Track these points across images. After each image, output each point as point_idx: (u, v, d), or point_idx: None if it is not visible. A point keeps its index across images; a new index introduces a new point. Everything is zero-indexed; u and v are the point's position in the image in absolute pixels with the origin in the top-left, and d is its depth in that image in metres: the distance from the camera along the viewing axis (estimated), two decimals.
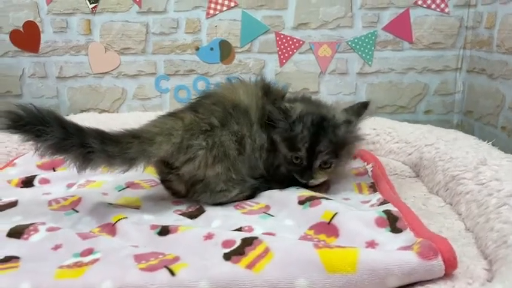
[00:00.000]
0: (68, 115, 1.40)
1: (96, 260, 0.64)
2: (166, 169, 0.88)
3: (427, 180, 0.99)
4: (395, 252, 0.61)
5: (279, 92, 0.98)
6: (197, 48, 1.48)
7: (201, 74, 1.50)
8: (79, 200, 0.89)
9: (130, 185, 0.99)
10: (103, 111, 1.53)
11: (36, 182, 1.02)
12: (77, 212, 0.85)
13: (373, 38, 1.47)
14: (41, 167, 1.12)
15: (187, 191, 0.89)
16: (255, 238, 0.66)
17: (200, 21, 1.47)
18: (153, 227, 0.74)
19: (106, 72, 1.50)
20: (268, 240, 0.65)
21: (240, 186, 0.89)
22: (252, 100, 0.92)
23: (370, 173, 1.01)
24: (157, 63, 1.50)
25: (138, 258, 0.64)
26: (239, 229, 0.75)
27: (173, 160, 0.85)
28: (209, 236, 0.69)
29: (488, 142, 1.01)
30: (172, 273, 0.59)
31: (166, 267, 0.60)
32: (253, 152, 0.90)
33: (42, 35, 1.47)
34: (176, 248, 0.68)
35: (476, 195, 0.79)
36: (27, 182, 1.02)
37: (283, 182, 0.93)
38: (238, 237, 0.67)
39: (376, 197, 0.86)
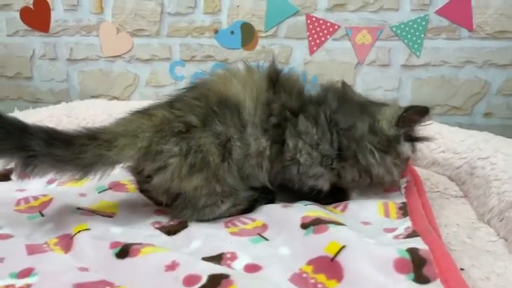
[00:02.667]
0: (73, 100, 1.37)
1: (28, 286, 0.57)
2: (141, 177, 0.76)
3: (478, 203, 0.83)
4: None
5: (293, 85, 0.81)
6: (216, 31, 1.40)
7: (220, 60, 1.42)
8: (50, 201, 0.83)
9: (113, 186, 0.90)
10: (114, 98, 1.49)
11: (14, 175, 0.95)
12: (43, 216, 0.78)
13: (424, 23, 1.32)
14: None
15: (172, 202, 0.76)
16: (226, 277, 0.55)
17: (220, 0, 1.38)
18: (113, 245, 0.65)
19: (118, 56, 1.46)
20: (241, 283, 0.53)
21: (232, 198, 0.76)
22: (250, 94, 0.77)
23: (403, 190, 0.85)
24: (172, 47, 1.43)
25: None
26: (220, 255, 0.64)
27: (141, 168, 0.73)
28: (172, 266, 0.59)
29: None
30: None
31: None
32: (247, 159, 0.75)
33: (52, 13, 1.45)
34: (130, 277, 0.59)
35: None
36: (6, 175, 0.95)
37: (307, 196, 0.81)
38: (205, 273, 0.56)
39: (405, 224, 0.70)
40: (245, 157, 0.75)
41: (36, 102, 1.53)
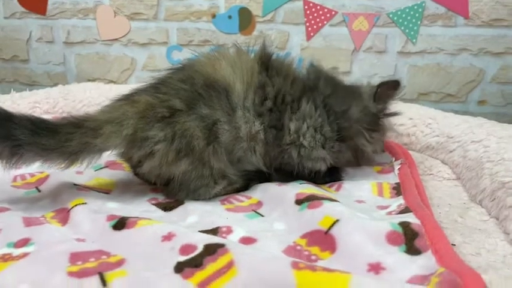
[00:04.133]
0: (70, 83, 1.37)
1: (26, 255, 0.57)
2: (132, 162, 0.76)
3: (470, 185, 0.83)
4: (404, 285, 0.47)
5: (287, 69, 0.80)
6: (213, 16, 1.39)
7: (217, 45, 1.41)
8: (47, 177, 0.83)
9: (109, 165, 0.90)
10: (110, 81, 1.48)
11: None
12: (39, 191, 0.78)
13: (420, 10, 1.31)
14: None
15: (166, 184, 0.76)
16: (221, 246, 0.54)
17: None
18: (109, 218, 0.65)
19: (115, 39, 1.45)
20: (236, 251, 0.53)
21: (226, 179, 0.75)
22: (240, 77, 0.75)
23: (396, 171, 0.86)
24: (170, 31, 1.42)
25: (75, 257, 0.56)
26: (215, 229, 0.64)
27: (130, 155, 0.72)
28: (168, 237, 0.59)
29: None
30: (104, 283, 0.49)
31: (100, 273, 0.51)
32: (237, 142, 0.74)
33: None
34: (127, 247, 0.59)
35: None
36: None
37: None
38: (201, 242, 0.56)
39: (398, 202, 0.71)
40: (235, 140, 0.74)
41: (33, 85, 1.52)
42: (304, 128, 0.77)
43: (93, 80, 1.47)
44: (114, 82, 1.47)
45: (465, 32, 1.30)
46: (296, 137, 0.77)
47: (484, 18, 1.28)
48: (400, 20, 1.31)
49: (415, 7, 1.30)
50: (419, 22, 1.31)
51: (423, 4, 1.29)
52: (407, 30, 1.32)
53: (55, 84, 1.38)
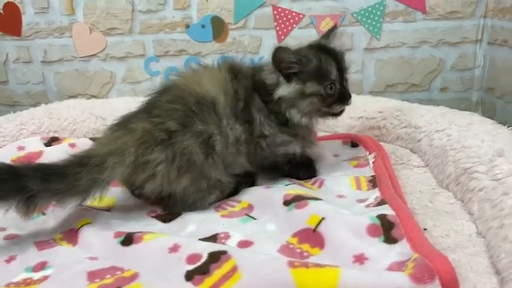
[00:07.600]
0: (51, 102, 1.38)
1: (45, 278, 0.61)
2: (132, 186, 0.81)
3: (437, 171, 0.90)
4: (384, 273, 0.53)
5: (245, 71, 0.86)
6: (187, 26, 1.41)
7: (193, 54, 1.43)
8: None
9: None
10: (92, 96, 1.49)
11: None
12: (44, 214, 0.80)
13: (381, 8, 1.36)
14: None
15: (163, 200, 0.81)
16: (224, 253, 0.60)
17: None
18: (117, 234, 0.69)
19: (92, 55, 1.46)
20: (238, 257, 0.59)
21: (218, 189, 0.81)
22: (220, 88, 0.80)
23: (371, 165, 0.92)
24: (146, 44, 1.44)
25: (92, 275, 0.60)
26: (214, 236, 0.69)
27: (132, 181, 0.76)
28: (174, 249, 0.63)
29: (509, 127, 0.90)
30: None
31: None
32: (227, 149, 0.79)
33: (23, 17, 1.43)
34: (138, 261, 0.63)
35: (491, 194, 0.70)
36: None
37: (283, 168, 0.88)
38: (205, 251, 0.61)
39: (374, 194, 0.77)
40: (225, 147, 0.78)
41: (14, 105, 1.51)
42: (262, 118, 0.83)
43: (75, 96, 1.48)
44: (96, 97, 1.48)
45: (424, 26, 1.36)
46: (260, 128, 0.83)
47: (440, 11, 1.34)
48: (364, 19, 1.36)
49: (377, 5, 1.35)
50: (381, 19, 1.36)
51: (384, 2, 1.34)
52: (371, 28, 1.37)
53: (36, 103, 1.38)
